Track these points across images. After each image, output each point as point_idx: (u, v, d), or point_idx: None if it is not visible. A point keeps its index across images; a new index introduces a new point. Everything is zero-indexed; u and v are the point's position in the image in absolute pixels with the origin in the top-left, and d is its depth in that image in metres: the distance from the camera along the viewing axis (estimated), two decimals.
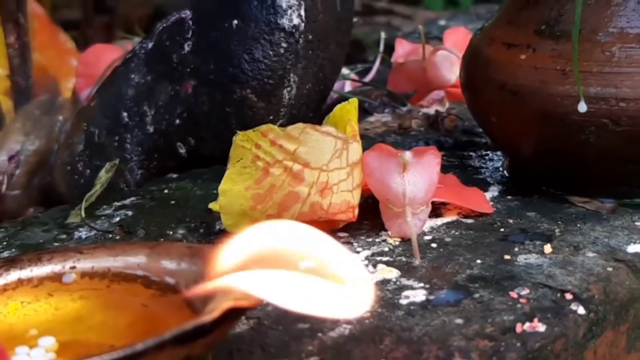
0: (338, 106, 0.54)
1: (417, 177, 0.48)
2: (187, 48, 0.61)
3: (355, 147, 0.50)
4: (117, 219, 0.54)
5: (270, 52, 0.59)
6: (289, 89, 0.60)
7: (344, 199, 0.49)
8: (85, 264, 0.40)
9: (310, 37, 0.60)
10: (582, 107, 0.48)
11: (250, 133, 0.49)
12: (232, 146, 0.50)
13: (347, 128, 0.51)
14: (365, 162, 0.49)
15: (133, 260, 0.39)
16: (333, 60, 0.63)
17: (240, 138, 0.49)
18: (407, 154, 0.49)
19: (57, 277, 0.39)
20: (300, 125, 0.49)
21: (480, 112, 0.56)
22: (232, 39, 0.59)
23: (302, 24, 0.59)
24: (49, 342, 0.36)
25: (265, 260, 0.33)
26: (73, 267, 0.40)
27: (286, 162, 0.48)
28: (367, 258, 0.47)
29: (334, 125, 0.51)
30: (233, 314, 0.32)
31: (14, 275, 0.39)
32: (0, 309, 0.38)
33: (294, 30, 0.59)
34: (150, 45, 0.62)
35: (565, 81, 0.50)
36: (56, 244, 0.51)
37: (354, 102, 0.53)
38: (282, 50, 0.59)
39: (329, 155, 0.48)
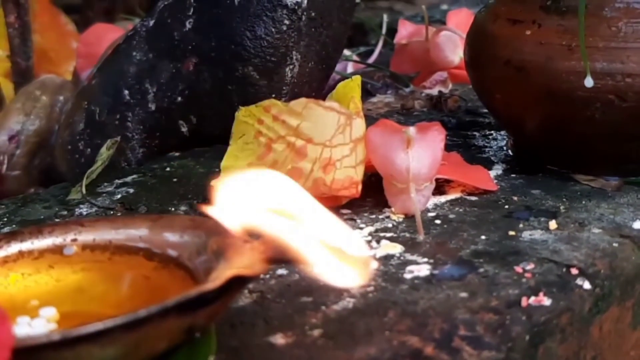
0: (341, 83, 0.53)
1: (421, 153, 0.48)
2: (188, 25, 0.60)
3: (359, 123, 0.49)
4: (119, 195, 0.54)
5: (273, 29, 0.58)
6: (291, 66, 0.60)
7: (347, 175, 0.48)
8: (87, 236, 0.39)
9: (313, 14, 0.59)
10: (589, 82, 0.48)
11: (253, 108, 0.49)
12: (234, 122, 0.49)
13: (350, 105, 0.50)
14: (369, 137, 0.49)
15: (135, 232, 0.39)
16: (336, 39, 0.62)
17: (242, 114, 0.49)
18: (411, 130, 0.48)
19: (58, 250, 0.39)
20: (303, 100, 0.49)
21: (485, 89, 0.56)
22: (234, 16, 0.59)
23: (305, 1, 0.59)
24: (50, 312, 0.35)
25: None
26: (74, 240, 0.39)
27: (289, 138, 0.48)
28: (370, 234, 0.47)
29: (337, 102, 0.51)
30: (236, 283, 0.32)
31: (14, 247, 0.39)
32: (1, 280, 0.37)
33: (296, 7, 0.58)
34: (151, 23, 0.62)
35: (571, 57, 0.49)
36: (57, 220, 0.51)
37: (357, 79, 0.53)
38: (284, 28, 0.59)
39: (333, 131, 0.48)
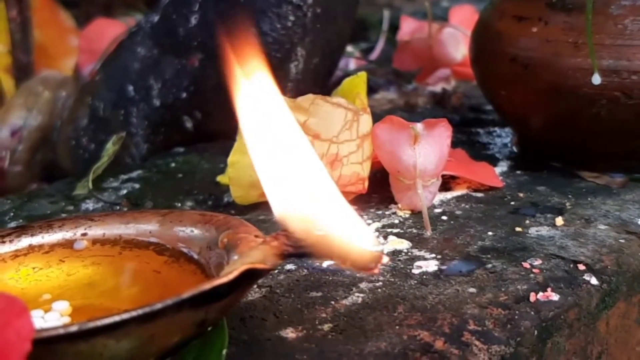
0: (346, 79, 0.53)
1: (428, 149, 0.48)
2: (193, 21, 0.60)
3: (366, 119, 0.49)
4: (124, 191, 0.54)
5: (278, 25, 0.58)
6: (295, 62, 0.60)
7: (354, 171, 0.48)
8: (97, 231, 0.39)
9: (318, 10, 0.59)
10: (596, 79, 0.48)
11: None
12: None
13: (356, 101, 0.50)
14: (376, 134, 0.49)
15: (145, 227, 0.39)
16: (340, 35, 0.63)
17: None
18: (419, 126, 0.48)
19: (68, 244, 0.39)
20: (310, 96, 0.49)
21: (490, 86, 0.56)
22: (239, 12, 0.59)
23: None
24: (63, 306, 0.35)
25: None
26: (84, 234, 0.39)
27: None
28: (377, 230, 0.47)
29: (343, 98, 0.51)
30: (249, 277, 0.32)
31: (25, 241, 0.39)
32: (12, 274, 0.37)
33: (301, 3, 0.58)
34: (156, 18, 0.62)
35: (577, 54, 0.50)
36: (64, 215, 0.51)
37: (362, 75, 0.53)
38: (289, 24, 0.59)
39: (339, 127, 0.48)
